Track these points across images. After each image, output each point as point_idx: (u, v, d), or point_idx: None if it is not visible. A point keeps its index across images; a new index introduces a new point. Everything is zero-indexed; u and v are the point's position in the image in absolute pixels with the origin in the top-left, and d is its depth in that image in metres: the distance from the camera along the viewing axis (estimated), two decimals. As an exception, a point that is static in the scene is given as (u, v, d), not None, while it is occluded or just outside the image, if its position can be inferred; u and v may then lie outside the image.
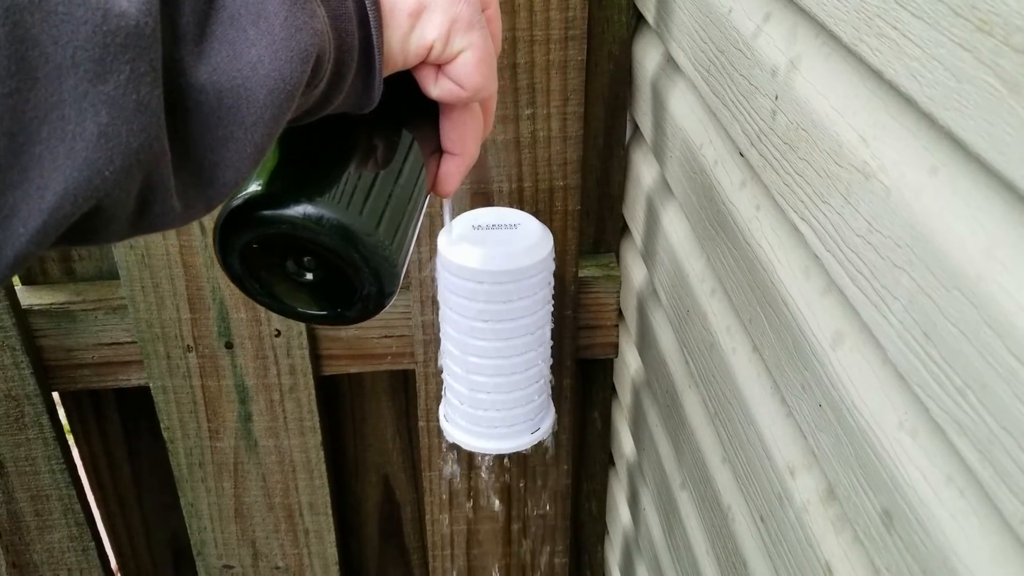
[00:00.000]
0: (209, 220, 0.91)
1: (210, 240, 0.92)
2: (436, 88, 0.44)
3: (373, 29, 0.39)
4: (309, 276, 0.42)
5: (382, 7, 0.39)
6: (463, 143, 0.48)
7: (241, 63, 0.32)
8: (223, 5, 0.32)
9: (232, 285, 0.94)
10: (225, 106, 0.32)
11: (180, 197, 0.32)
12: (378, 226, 0.41)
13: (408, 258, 0.44)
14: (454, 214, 0.85)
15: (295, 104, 0.34)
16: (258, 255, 0.41)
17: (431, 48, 0.42)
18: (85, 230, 0.30)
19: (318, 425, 1.04)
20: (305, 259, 0.42)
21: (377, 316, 1.11)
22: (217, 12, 0.32)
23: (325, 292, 0.43)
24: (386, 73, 0.41)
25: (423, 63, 0.43)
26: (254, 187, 0.39)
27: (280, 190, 0.39)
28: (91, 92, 0.27)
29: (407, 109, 0.46)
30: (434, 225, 0.91)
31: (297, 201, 0.39)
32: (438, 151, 0.48)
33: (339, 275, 0.42)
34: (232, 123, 0.32)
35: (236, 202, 0.39)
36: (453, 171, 0.49)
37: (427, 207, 0.48)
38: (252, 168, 0.34)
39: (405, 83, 0.44)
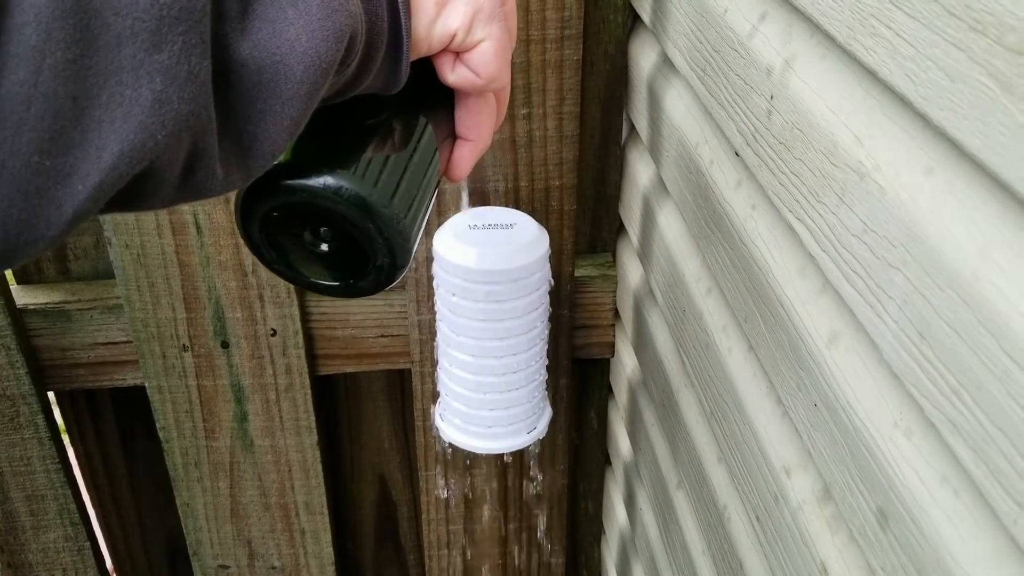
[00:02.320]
0: (205, 218, 0.91)
1: (206, 240, 0.92)
2: (453, 75, 0.46)
3: (402, 14, 0.41)
4: (324, 247, 0.45)
5: None
6: (477, 129, 0.50)
7: (280, 40, 0.34)
8: None
9: (229, 285, 0.94)
10: (265, 80, 0.34)
11: (222, 164, 0.34)
12: (393, 200, 0.43)
13: (420, 234, 0.47)
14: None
15: (329, 81, 0.36)
16: (277, 224, 0.44)
17: (454, 36, 0.44)
18: (136, 193, 0.32)
19: (314, 425, 1.04)
20: (322, 230, 0.44)
21: (373, 315, 1.11)
22: None
23: (339, 263, 0.45)
24: (413, 57, 0.43)
25: (443, 50, 0.45)
26: (281, 157, 0.42)
27: (303, 162, 0.42)
28: (147, 61, 0.29)
29: (424, 94, 0.48)
30: (431, 226, 0.91)
31: (319, 172, 0.41)
32: (451, 136, 0.51)
33: (353, 247, 0.44)
34: (271, 97, 0.34)
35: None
36: (466, 156, 0.51)
37: (440, 190, 0.50)
38: (287, 141, 0.36)
39: (423, 69, 0.47)
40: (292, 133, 0.36)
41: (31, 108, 0.27)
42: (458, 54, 0.46)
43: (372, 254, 0.44)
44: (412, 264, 0.96)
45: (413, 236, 0.45)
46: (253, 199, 0.42)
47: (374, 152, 0.44)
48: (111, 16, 0.28)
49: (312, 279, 0.46)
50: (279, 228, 0.44)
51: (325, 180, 0.41)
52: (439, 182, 0.50)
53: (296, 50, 0.34)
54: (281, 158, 0.41)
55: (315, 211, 0.42)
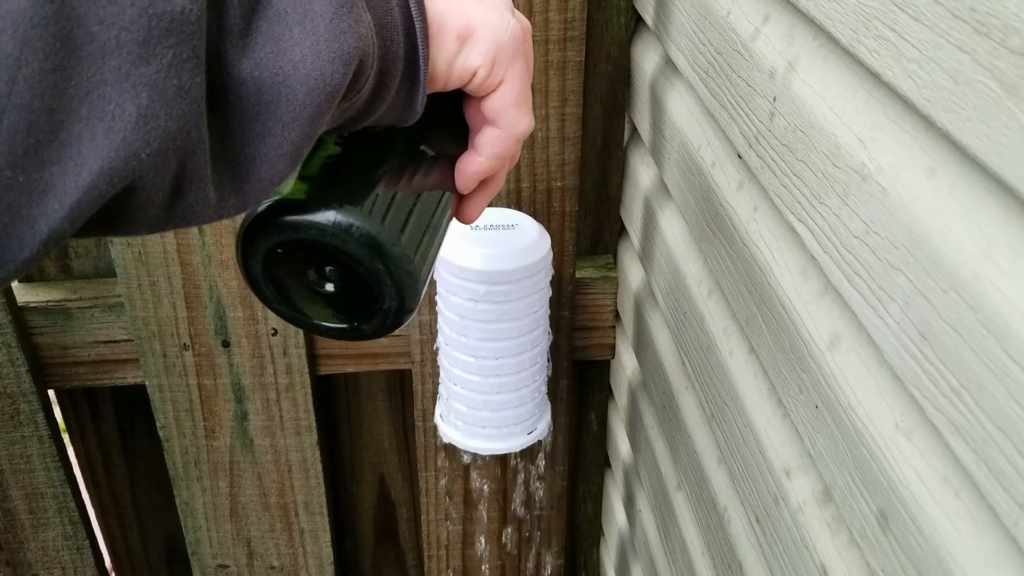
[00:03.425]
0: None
1: (207, 239, 0.92)
2: (472, 120, 0.45)
3: (420, 41, 0.39)
4: (329, 287, 0.42)
5: (430, 23, 0.40)
6: (490, 176, 0.48)
7: (283, 60, 0.32)
8: (271, 2, 0.33)
9: (231, 284, 0.94)
10: (264, 101, 0.32)
11: (216, 187, 0.32)
12: (404, 240, 0.41)
13: (429, 278, 0.44)
14: None
15: (334, 106, 0.34)
16: (279, 262, 0.41)
17: (475, 73, 0.42)
18: (118, 216, 0.30)
19: (314, 425, 1.04)
20: (327, 269, 0.42)
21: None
22: (264, 8, 0.32)
23: (344, 304, 0.43)
24: (430, 90, 0.41)
25: (465, 89, 0.43)
26: (285, 191, 0.40)
27: (311, 196, 0.39)
28: (133, 74, 0.28)
29: (440, 131, 0.46)
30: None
31: (328, 208, 0.39)
32: None
33: (359, 288, 0.42)
34: (270, 119, 0.32)
35: (265, 204, 0.40)
36: (479, 198, 0.49)
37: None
38: (288, 167, 0.34)
39: (441, 105, 0.45)
40: (293, 160, 0.34)
41: (3, 120, 0.25)
42: (480, 99, 0.44)
43: (380, 296, 0.41)
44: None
45: (423, 278, 0.43)
46: (256, 234, 0.40)
47: (388, 188, 0.42)
48: (96, 25, 0.27)
49: (314, 320, 0.44)
50: (281, 265, 0.42)
51: (336, 217, 0.39)
52: (449, 223, 0.48)
53: (300, 71, 0.32)
54: (288, 191, 0.39)
55: (322, 249, 0.40)
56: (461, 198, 0.48)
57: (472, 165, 0.46)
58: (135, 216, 0.31)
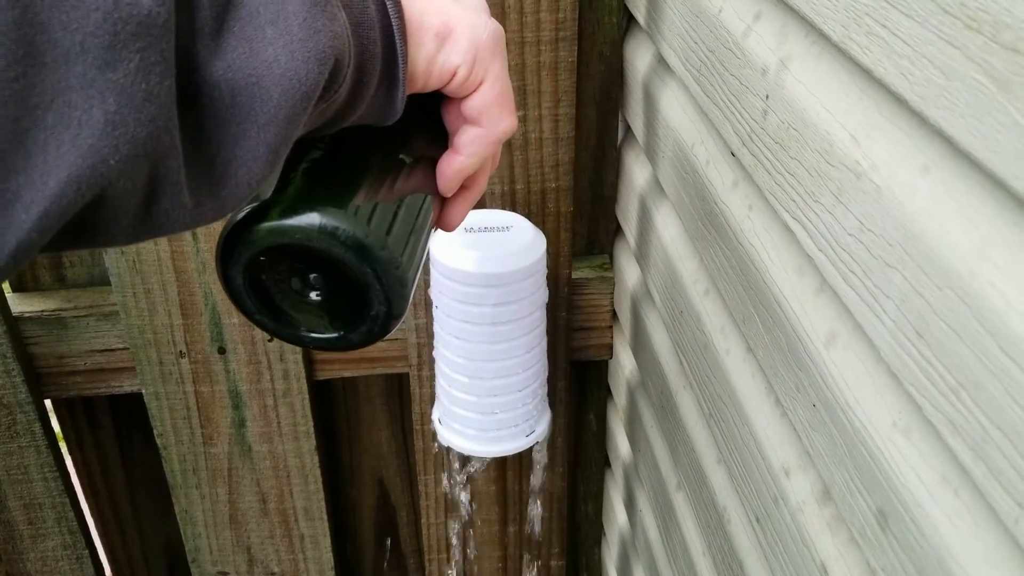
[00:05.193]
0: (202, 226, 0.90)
1: (202, 245, 0.91)
2: (453, 123, 0.44)
3: (397, 39, 0.38)
4: (314, 296, 0.41)
5: (408, 22, 0.39)
6: (472, 179, 0.48)
7: (257, 61, 0.32)
8: (242, 2, 0.32)
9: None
10: (239, 103, 0.32)
11: (191, 193, 0.32)
12: (391, 244, 0.40)
13: (415, 284, 0.43)
14: None
15: (311, 107, 0.34)
16: (261, 271, 0.40)
17: (454, 72, 0.41)
18: (90, 225, 0.30)
19: (312, 430, 1.04)
20: (311, 276, 0.41)
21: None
22: (236, 9, 0.32)
23: (329, 314, 0.42)
24: (410, 90, 0.40)
25: (444, 91, 0.43)
26: (264, 197, 0.39)
27: (292, 200, 0.38)
28: (99, 79, 0.27)
29: (419, 136, 0.46)
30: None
31: (311, 211, 0.38)
32: None
33: (344, 297, 0.41)
34: (245, 121, 0.32)
35: (245, 211, 0.38)
36: (461, 204, 0.48)
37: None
38: (266, 170, 0.33)
39: (420, 109, 0.44)
40: (270, 162, 0.33)
41: None
42: (459, 100, 0.43)
43: (367, 302, 0.40)
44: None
45: (410, 282, 0.42)
46: (236, 241, 0.38)
47: (370, 193, 0.41)
48: (59, 31, 0.26)
49: (299, 331, 0.42)
50: (263, 276, 0.40)
51: (320, 220, 0.38)
52: (431, 229, 0.46)
53: (274, 71, 0.32)
54: (268, 197, 0.38)
55: (306, 255, 0.39)
56: (443, 205, 0.48)
57: (453, 164, 0.45)
58: (108, 226, 0.30)
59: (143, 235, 0.32)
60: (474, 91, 0.43)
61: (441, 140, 0.46)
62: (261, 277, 0.40)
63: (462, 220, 0.49)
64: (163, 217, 0.31)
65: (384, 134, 0.42)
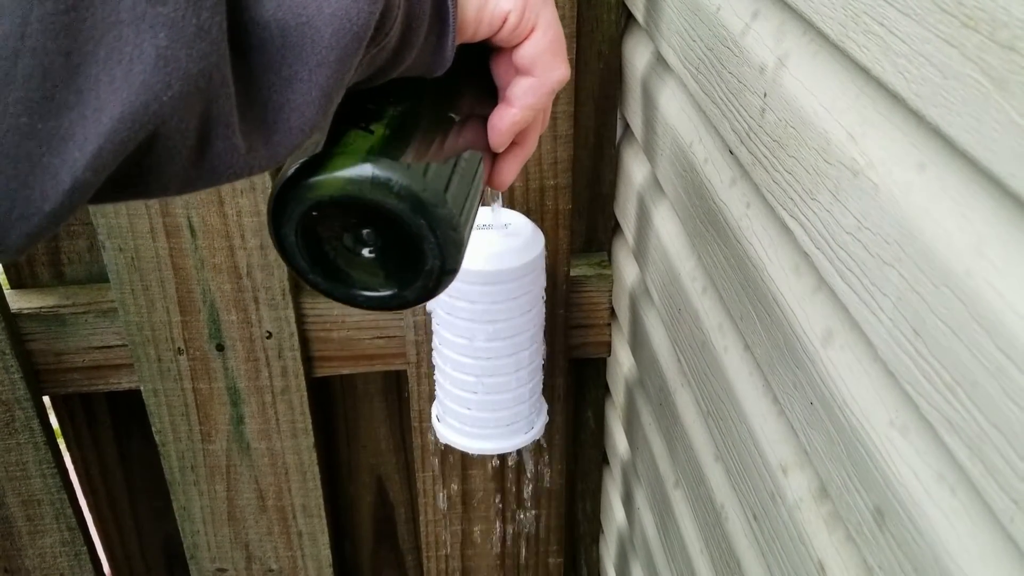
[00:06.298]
0: (199, 220, 0.91)
1: (200, 242, 0.91)
2: (506, 74, 0.43)
3: None
4: (367, 252, 0.40)
5: None
6: (523, 135, 0.46)
7: (307, 1, 0.31)
8: None
9: (224, 288, 0.94)
10: (289, 44, 0.31)
11: (244, 136, 0.31)
12: (447, 197, 0.39)
13: (469, 238, 0.42)
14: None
15: (362, 49, 0.33)
16: (313, 228, 0.39)
17: (506, 19, 0.40)
18: (145, 168, 0.29)
19: (311, 427, 1.04)
20: (364, 232, 0.40)
21: (369, 317, 1.09)
22: None
23: (382, 272, 0.41)
24: (459, 38, 0.39)
25: (495, 40, 0.41)
26: (319, 150, 0.38)
27: (345, 153, 0.37)
28: (149, 13, 0.26)
29: (468, 92, 0.45)
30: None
31: (364, 164, 0.37)
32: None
33: (396, 255, 0.40)
34: (296, 62, 0.31)
35: (296, 166, 0.38)
36: (512, 161, 0.47)
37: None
38: (318, 115, 0.32)
39: (469, 64, 0.43)
40: (323, 107, 0.32)
41: (18, 64, 0.24)
42: (510, 50, 0.42)
43: (421, 257, 0.39)
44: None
45: (466, 237, 0.41)
46: (289, 198, 0.38)
47: (427, 144, 0.40)
48: None
49: (353, 290, 0.41)
50: (315, 233, 0.39)
51: (373, 172, 0.37)
52: (483, 186, 0.45)
53: (324, 11, 0.31)
54: (323, 149, 0.38)
55: (362, 208, 0.38)
56: (493, 161, 0.46)
57: (506, 118, 0.44)
58: (163, 169, 0.30)
59: (197, 181, 0.31)
60: (526, 39, 0.42)
61: (490, 97, 0.45)
62: (313, 235, 0.40)
63: (513, 178, 0.48)
64: (216, 160, 0.31)
65: (434, 89, 0.41)
